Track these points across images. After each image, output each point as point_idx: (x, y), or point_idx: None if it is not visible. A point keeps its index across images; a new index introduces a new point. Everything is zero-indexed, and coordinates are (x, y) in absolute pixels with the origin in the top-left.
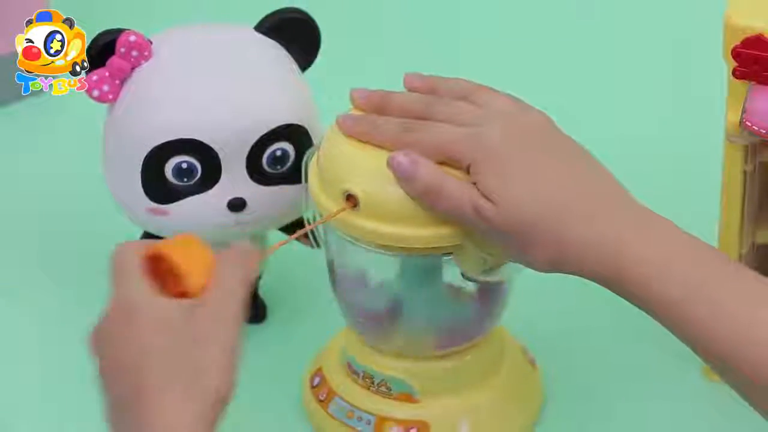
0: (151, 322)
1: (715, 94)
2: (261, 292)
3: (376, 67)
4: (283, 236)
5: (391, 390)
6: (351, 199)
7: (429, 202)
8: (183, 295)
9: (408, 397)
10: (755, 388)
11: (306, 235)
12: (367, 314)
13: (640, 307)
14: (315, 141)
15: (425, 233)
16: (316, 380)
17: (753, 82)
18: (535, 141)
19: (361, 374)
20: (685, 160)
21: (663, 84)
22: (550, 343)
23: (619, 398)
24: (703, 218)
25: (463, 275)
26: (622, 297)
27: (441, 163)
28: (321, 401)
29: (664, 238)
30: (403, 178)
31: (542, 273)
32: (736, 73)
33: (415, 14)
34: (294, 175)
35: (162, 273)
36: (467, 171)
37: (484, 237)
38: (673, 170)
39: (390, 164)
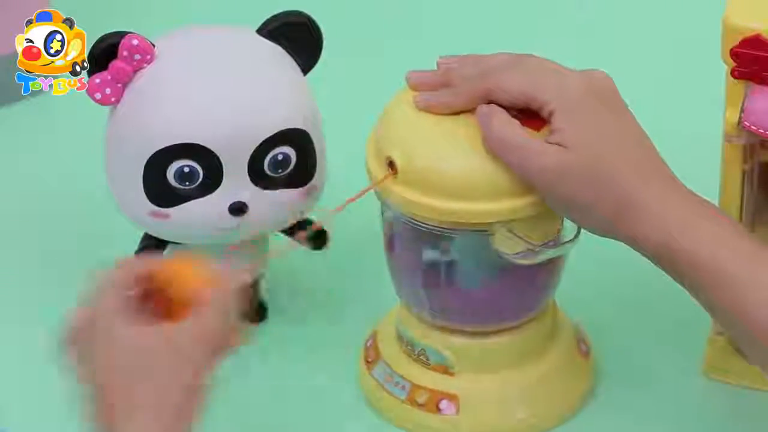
0: (123, 348)
1: (713, 94)
2: (261, 292)
3: (378, 70)
4: (285, 239)
5: (428, 360)
6: (392, 166)
7: (498, 152)
8: (172, 312)
9: (444, 369)
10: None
11: (307, 238)
12: (414, 283)
13: (683, 283)
14: (317, 145)
15: (459, 207)
16: (369, 342)
17: (751, 82)
18: (607, 100)
19: (405, 341)
20: (684, 160)
21: (662, 83)
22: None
23: (616, 399)
24: None
25: (498, 255)
26: (667, 270)
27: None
28: (368, 362)
29: (714, 215)
30: (481, 124)
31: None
32: (734, 74)
33: (417, 17)
34: (296, 179)
35: (156, 290)
36: (547, 117)
37: (545, 195)
38: (672, 169)
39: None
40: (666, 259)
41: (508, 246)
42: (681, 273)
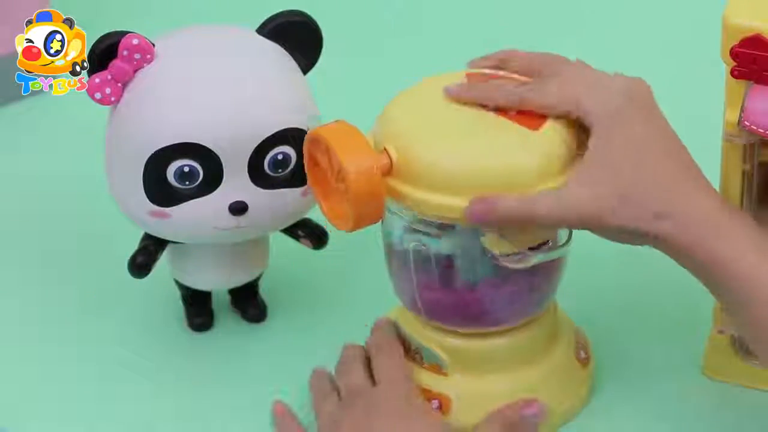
0: None
1: (713, 94)
2: (261, 292)
3: (378, 70)
4: (286, 238)
5: (422, 359)
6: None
7: (522, 227)
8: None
9: (437, 369)
10: None
11: (307, 236)
12: (409, 282)
13: (721, 293)
14: None
15: (449, 202)
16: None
17: (751, 82)
18: (643, 109)
19: (402, 340)
20: None
21: (662, 83)
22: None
23: (616, 399)
24: None
25: (488, 255)
26: (702, 279)
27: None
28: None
29: (745, 219)
30: (484, 222)
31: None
32: (734, 73)
33: (416, 17)
34: (295, 179)
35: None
36: (586, 127)
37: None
38: None
39: (465, 215)
40: (702, 266)
41: (497, 247)
42: (718, 281)
